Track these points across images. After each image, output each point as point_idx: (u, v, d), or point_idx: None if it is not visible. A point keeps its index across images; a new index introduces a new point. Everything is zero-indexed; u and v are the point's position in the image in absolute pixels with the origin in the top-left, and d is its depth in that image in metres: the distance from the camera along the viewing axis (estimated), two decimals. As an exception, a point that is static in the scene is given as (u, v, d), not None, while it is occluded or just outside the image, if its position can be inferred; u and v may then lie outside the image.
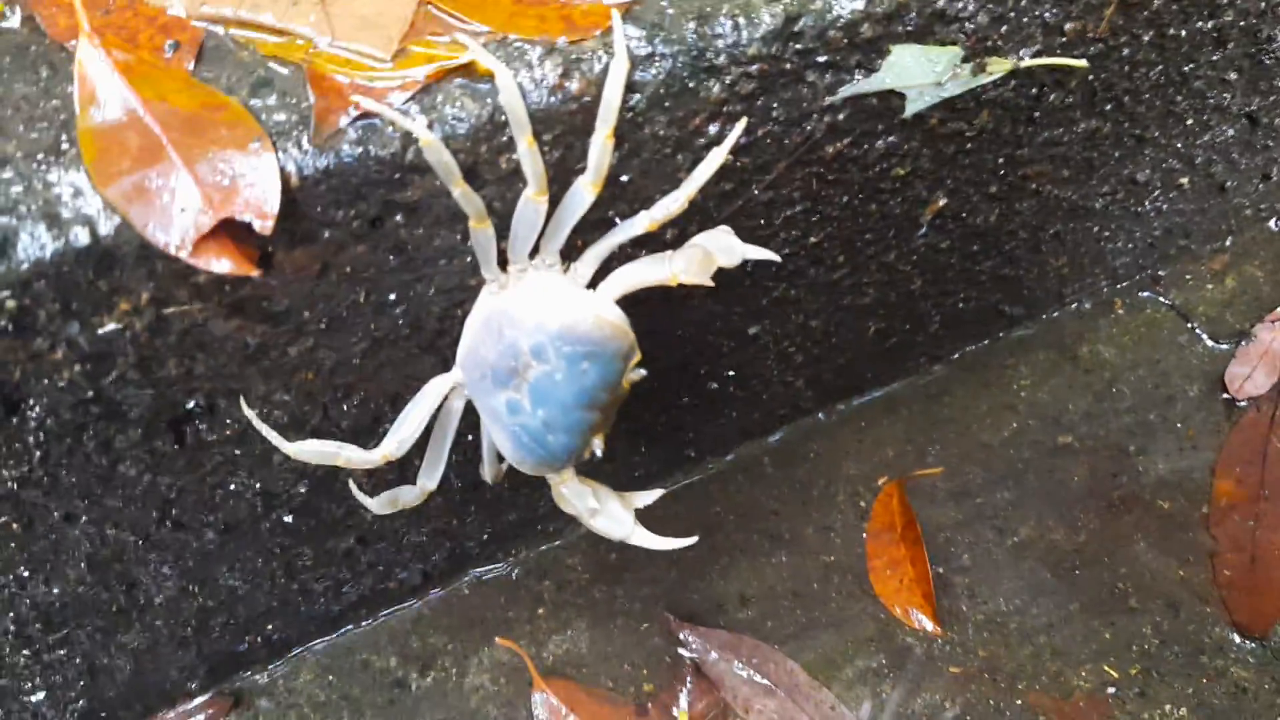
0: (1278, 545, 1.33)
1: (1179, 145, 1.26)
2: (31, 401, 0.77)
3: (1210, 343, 1.51)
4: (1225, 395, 1.46)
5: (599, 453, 0.88)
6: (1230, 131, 1.29)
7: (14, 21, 0.78)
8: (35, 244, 0.69)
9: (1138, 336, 1.52)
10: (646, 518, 1.05)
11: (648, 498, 0.97)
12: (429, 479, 0.92)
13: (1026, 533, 1.35)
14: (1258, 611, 1.28)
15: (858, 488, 1.39)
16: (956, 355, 1.45)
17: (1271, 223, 1.58)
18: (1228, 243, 1.56)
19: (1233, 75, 1.18)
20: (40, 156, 0.71)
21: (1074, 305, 1.50)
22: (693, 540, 0.97)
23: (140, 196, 0.70)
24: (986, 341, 1.47)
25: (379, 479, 1.00)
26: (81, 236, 0.70)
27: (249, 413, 0.87)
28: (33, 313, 0.72)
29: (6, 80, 0.75)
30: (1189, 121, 1.22)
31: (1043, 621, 1.28)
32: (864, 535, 1.35)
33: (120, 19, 0.78)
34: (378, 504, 0.95)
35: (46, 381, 0.76)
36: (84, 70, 0.73)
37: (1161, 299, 1.54)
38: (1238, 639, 1.27)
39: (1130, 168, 1.25)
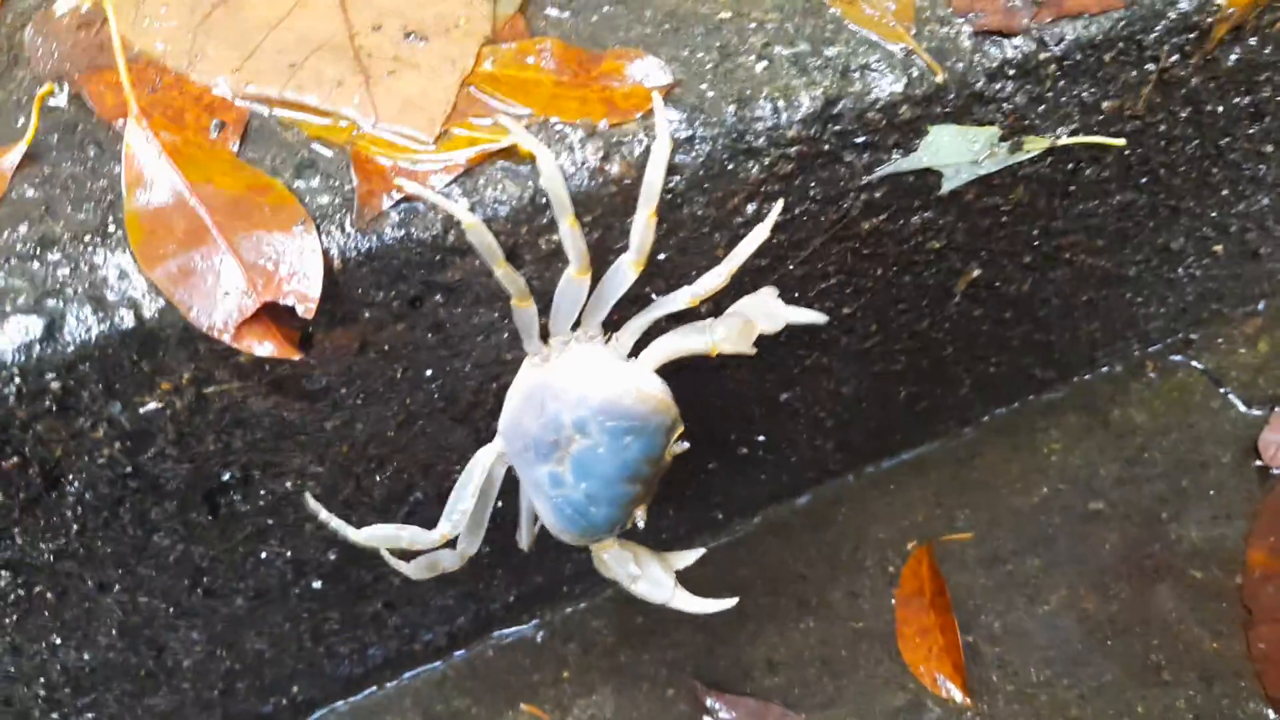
0: (1313, 618, 1.31)
1: (1213, 215, 1.26)
2: (71, 477, 0.78)
3: (1243, 408, 1.50)
4: (1258, 463, 1.44)
5: (641, 524, 0.88)
6: (1265, 200, 1.28)
7: (61, 99, 0.79)
8: (81, 326, 0.70)
9: (1170, 401, 1.50)
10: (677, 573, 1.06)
11: (689, 558, 0.97)
12: (469, 545, 0.92)
13: (1058, 600, 1.33)
14: (1294, 687, 1.26)
15: (886, 552, 1.38)
16: (987, 418, 1.44)
17: (1306, 286, 1.57)
18: (1260, 306, 1.55)
19: (1269, 148, 1.17)
20: (87, 238, 0.71)
21: (1105, 368, 1.49)
22: (734, 602, 0.96)
23: (185, 279, 0.71)
24: (1017, 404, 1.46)
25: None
26: (127, 319, 0.70)
27: (314, 505, 0.88)
28: (76, 394, 0.72)
29: (55, 159, 0.76)
30: (1224, 192, 1.22)
31: (1074, 694, 1.27)
32: (893, 601, 1.33)
33: (166, 97, 0.78)
34: (414, 569, 0.94)
35: (87, 458, 0.77)
36: (131, 152, 0.74)
37: (1194, 363, 1.53)
38: (1273, 715, 1.25)
39: (1164, 237, 1.25)
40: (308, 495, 0.91)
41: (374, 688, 1.23)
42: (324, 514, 0.89)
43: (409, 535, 0.88)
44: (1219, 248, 1.34)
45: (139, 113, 0.75)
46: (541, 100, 0.80)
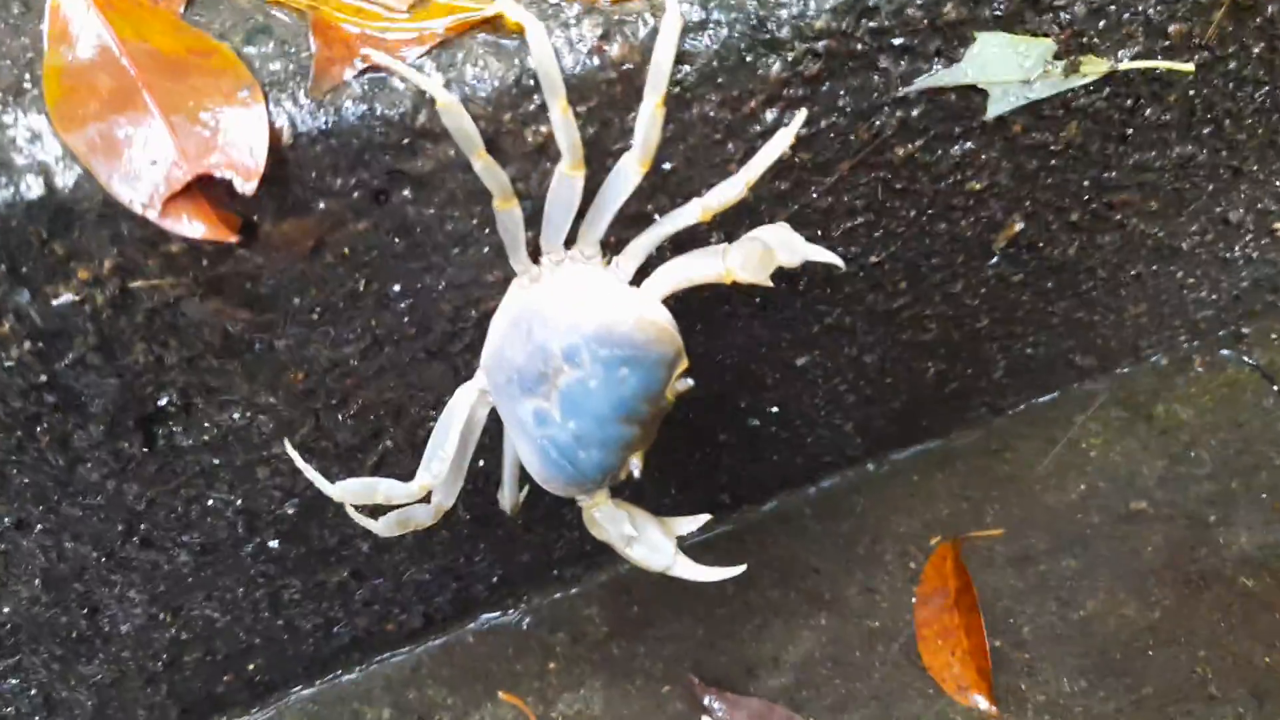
0: (1378, 634, 1.19)
1: (1277, 184, 1.15)
2: (-26, 383, 0.68)
3: (1298, 408, 1.39)
4: (1316, 466, 1.33)
5: (637, 473, 0.79)
6: (1334, 171, 1.18)
7: (-11, -46, 0.69)
8: (-19, 193, 0.60)
9: (1218, 397, 1.41)
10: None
11: (692, 524, 0.88)
12: (446, 497, 0.82)
13: (1094, 606, 1.25)
14: (1356, 707, 1.15)
15: (908, 547, 1.30)
16: (1021, 407, 1.34)
17: (1366, 281, 1.46)
18: (1318, 300, 1.44)
19: (1345, 105, 1.06)
20: (0, 95, 0.62)
21: (1150, 360, 1.39)
22: (741, 569, 0.86)
23: (106, 145, 0.61)
24: (1055, 394, 1.36)
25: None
26: (35, 187, 0.61)
27: (290, 448, 0.78)
28: (-26, 275, 0.62)
29: (-28, 15, 0.66)
30: (1291, 156, 1.11)
31: (1110, 707, 1.18)
32: (913, 600, 1.25)
33: (108, -44, 0.68)
34: (384, 525, 0.84)
35: (-9, 360, 0.67)
36: (57, 3, 0.64)
37: (1245, 358, 1.43)
38: (1331, 737, 1.13)
39: (1223, 205, 1.15)
40: (287, 442, 0.81)
41: (341, 671, 1.14)
42: (299, 461, 0.79)
43: (385, 488, 0.78)
44: (1278, 225, 1.23)
45: (69, -39, 0.65)
46: (534, -28, 0.70)
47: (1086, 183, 1.01)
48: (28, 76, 0.63)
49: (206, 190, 0.62)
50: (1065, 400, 1.39)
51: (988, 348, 1.20)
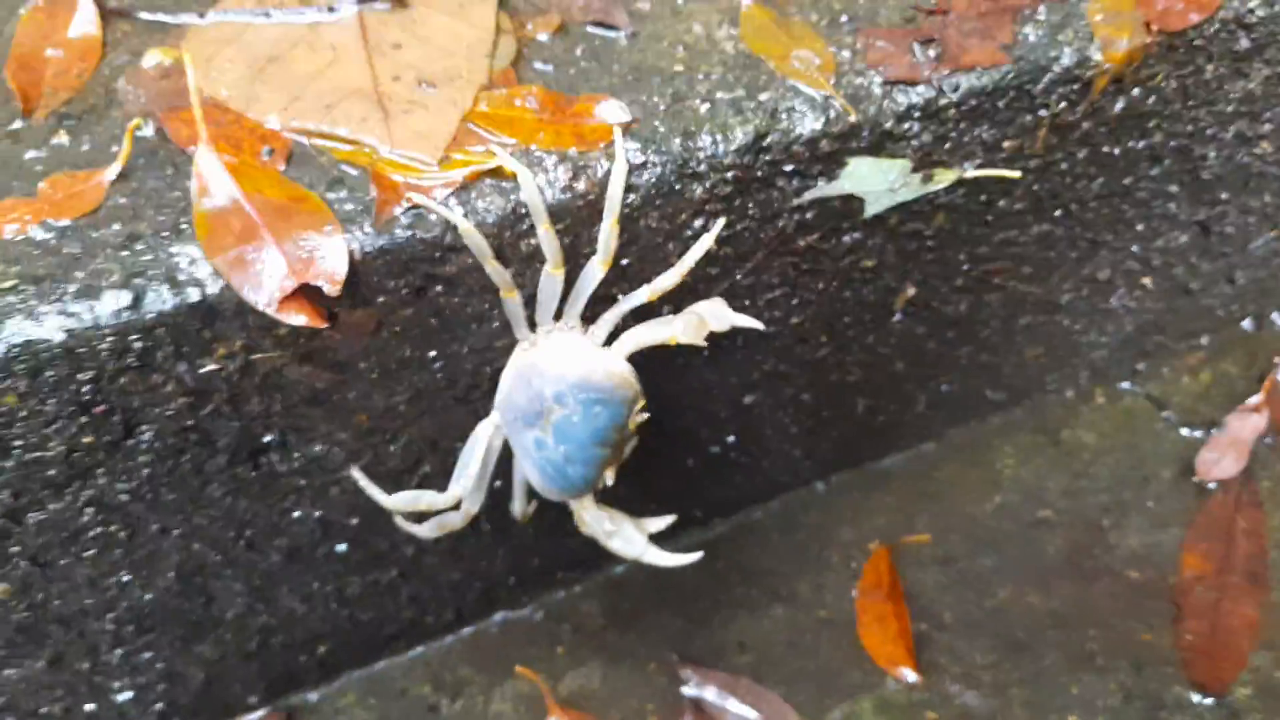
0: (1238, 615, 1.44)
1: (1134, 249, 1.42)
2: (145, 427, 0.98)
3: (1184, 431, 1.64)
4: (1196, 479, 1.59)
5: (610, 482, 1.05)
6: (1183, 238, 1.45)
7: (148, 131, 1.00)
8: (158, 299, 0.90)
9: (1117, 423, 1.66)
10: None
11: (661, 523, 1.14)
12: (473, 504, 1.09)
13: (1004, 596, 1.48)
14: (1216, 673, 1.40)
15: (851, 551, 1.53)
16: (946, 435, 1.60)
17: (1245, 323, 1.72)
18: (1203, 341, 1.70)
19: (1174, 188, 1.34)
20: (165, 234, 0.92)
21: (1057, 393, 1.64)
22: (699, 555, 1.13)
23: (239, 266, 0.91)
24: (974, 423, 1.62)
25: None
26: (194, 295, 0.91)
27: (356, 472, 1.08)
28: (153, 354, 0.92)
29: (141, 177, 0.97)
30: (1139, 228, 1.39)
31: (1015, 676, 1.41)
32: (854, 594, 1.49)
33: (228, 130, 1.00)
34: (426, 530, 1.12)
35: (158, 410, 0.97)
36: (200, 169, 0.95)
37: (1139, 390, 1.68)
38: (1196, 697, 1.38)
39: (1089, 268, 1.41)
40: (354, 468, 1.11)
41: (390, 655, 1.40)
42: (363, 480, 1.08)
43: (428, 498, 1.06)
44: (1147, 280, 1.50)
45: (207, 140, 0.96)
46: (524, 133, 1.00)
47: (962, 256, 1.29)
48: (183, 220, 0.94)
49: (305, 293, 0.93)
50: (983, 428, 1.64)
51: (907, 386, 1.48)
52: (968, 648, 1.44)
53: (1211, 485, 1.58)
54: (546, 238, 0.96)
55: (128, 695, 1.22)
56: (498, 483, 1.21)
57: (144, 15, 1.13)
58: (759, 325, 1.04)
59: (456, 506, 1.09)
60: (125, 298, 0.89)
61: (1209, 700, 1.37)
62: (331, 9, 1.11)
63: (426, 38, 1.10)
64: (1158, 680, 1.39)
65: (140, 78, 1.07)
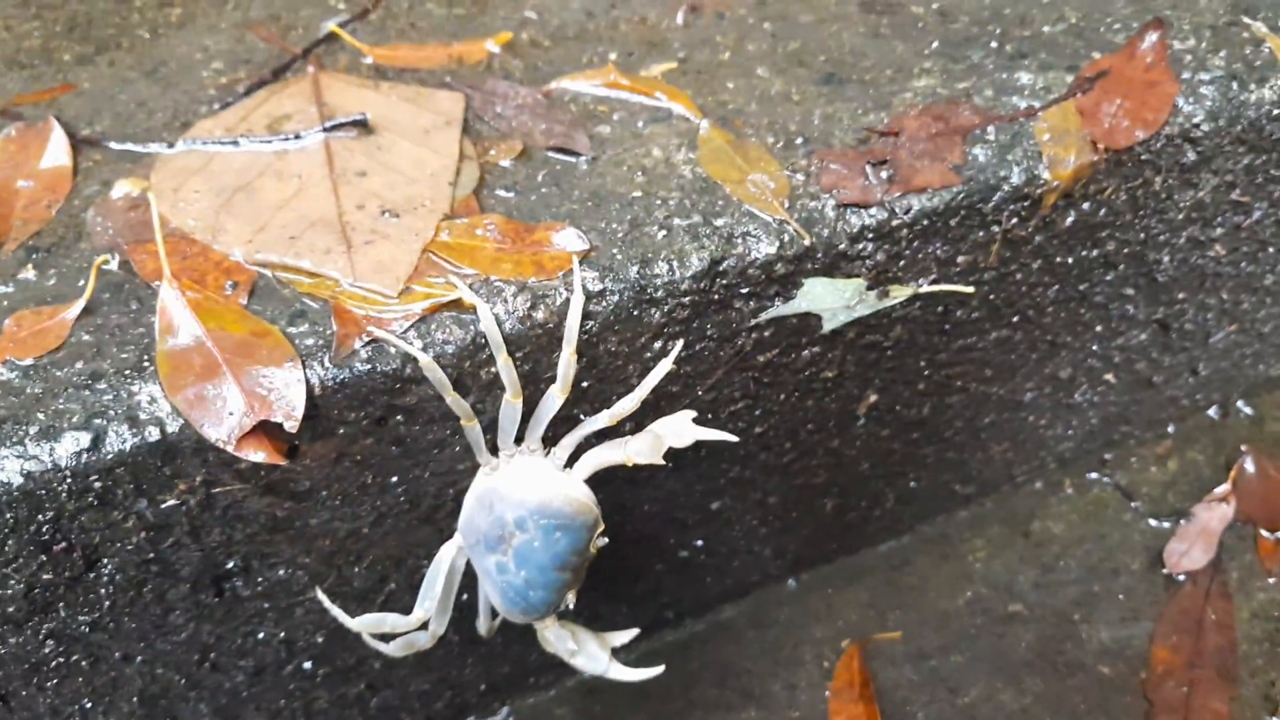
0: (1210, 710, 1.45)
1: (1094, 348, 1.45)
2: (106, 561, 0.98)
3: (1153, 521, 1.66)
4: (1165, 570, 1.60)
5: (571, 605, 1.06)
6: (1143, 336, 1.48)
7: (114, 265, 1.02)
8: (119, 439, 0.91)
9: (1085, 514, 1.67)
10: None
11: (624, 637, 1.14)
12: (439, 625, 1.09)
13: (976, 693, 1.48)
14: (1189, 771, 1.40)
15: (823, 649, 1.54)
16: (916, 529, 1.61)
17: (1210, 411, 1.75)
18: (1170, 430, 1.72)
19: (1130, 291, 1.37)
20: (127, 372, 0.93)
21: (1026, 484, 1.66)
22: (660, 669, 1.13)
23: (200, 403, 0.92)
24: (943, 517, 1.63)
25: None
26: (154, 434, 0.92)
27: (322, 596, 1.08)
28: (113, 492, 0.93)
29: (105, 312, 0.98)
30: (1099, 328, 1.41)
31: (989, 777, 1.40)
32: (827, 693, 1.49)
33: (194, 263, 1.01)
34: (394, 649, 1.12)
35: (119, 545, 0.97)
36: (164, 307, 0.96)
37: (1107, 480, 1.70)
38: (1169, 796, 1.38)
39: (1050, 367, 1.44)
40: (318, 590, 1.11)
41: (360, 767, 1.40)
42: (328, 603, 1.09)
43: (391, 620, 1.07)
44: (1109, 377, 1.52)
45: (170, 276, 0.98)
46: (485, 263, 1.02)
47: (923, 363, 1.31)
48: (145, 357, 0.95)
49: (265, 428, 0.94)
50: (953, 522, 1.66)
51: (874, 484, 1.49)
52: (941, 748, 1.43)
53: (1180, 577, 1.59)
54: (505, 368, 0.98)
55: (92, 818, 1.22)
56: (465, 596, 1.22)
57: (113, 145, 1.16)
58: (730, 437, 1.04)
59: (423, 627, 1.09)
60: (85, 439, 0.90)
61: (1182, 800, 1.37)
62: (298, 136, 1.14)
63: (391, 165, 1.12)
64: (1131, 780, 1.39)
65: (108, 209, 1.09)
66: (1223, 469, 1.70)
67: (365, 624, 1.07)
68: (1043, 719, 1.46)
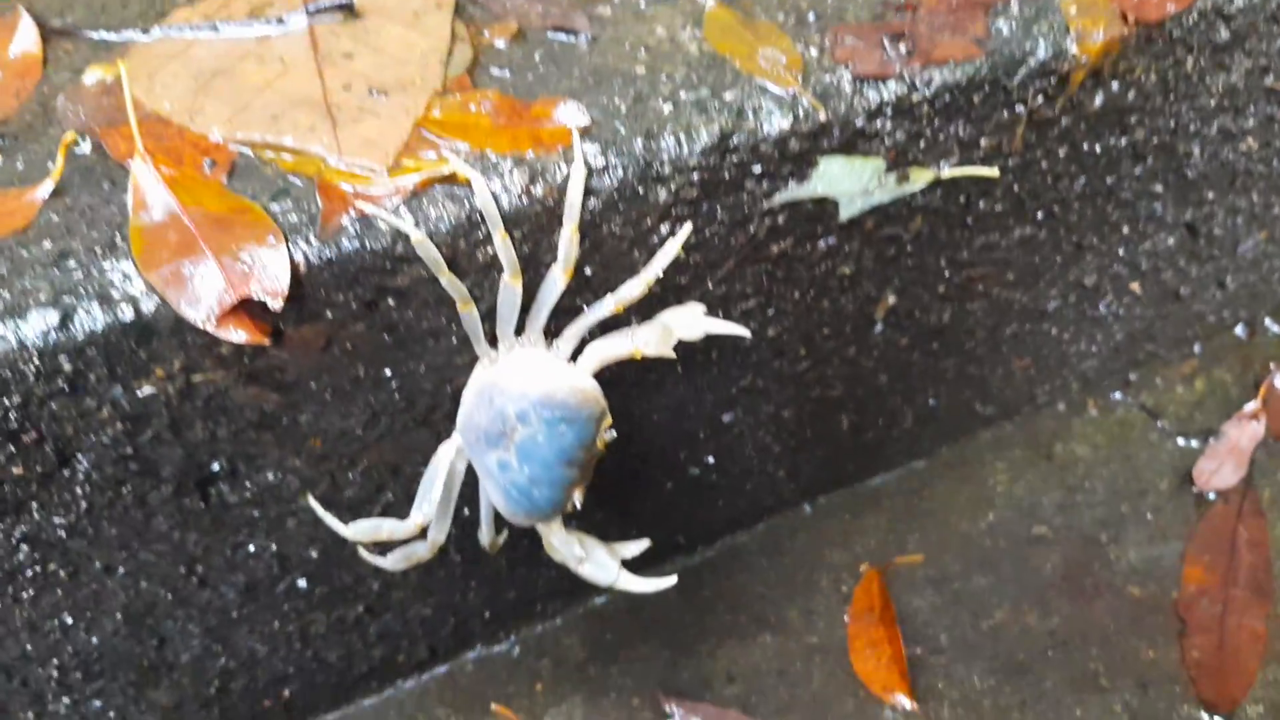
0: (1245, 628, 1.39)
1: (1120, 252, 1.38)
2: (80, 456, 0.92)
3: (1180, 441, 1.60)
4: (1195, 489, 1.54)
5: (578, 505, 1.00)
6: (1171, 240, 1.41)
7: (86, 148, 0.96)
8: (90, 318, 0.85)
9: (1110, 435, 1.61)
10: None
11: (635, 548, 1.09)
12: (439, 533, 1.04)
13: (1001, 617, 1.43)
14: (1224, 690, 1.34)
15: (841, 574, 1.48)
16: (936, 452, 1.55)
17: (1238, 329, 1.68)
18: (1196, 349, 1.66)
19: (1159, 188, 1.30)
20: (98, 250, 0.87)
21: (1048, 405, 1.60)
22: (673, 580, 1.07)
23: (176, 281, 0.86)
24: (964, 439, 1.57)
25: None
26: (127, 313, 0.86)
27: (312, 501, 1.02)
28: (84, 375, 0.87)
29: (76, 194, 0.92)
30: (1125, 230, 1.35)
31: (1016, 699, 1.35)
32: (846, 618, 1.43)
33: (170, 144, 0.95)
34: (392, 561, 1.06)
35: (94, 437, 0.91)
36: (137, 182, 0.90)
37: (1131, 400, 1.64)
38: (1205, 716, 1.32)
39: (1075, 272, 1.37)
40: (309, 496, 1.05)
41: (361, 697, 1.34)
42: (319, 509, 1.03)
43: (388, 527, 1.01)
44: (1135, 286, 1.46)
45: (144, 151, 0.91)
46: (479, 138, 0.96)
47: (943, 262, 1.25)
48: (118, 235, 0.89)
49: (247, 308, 0.88)
50: (974, 443, 1.60)
51: (893, 401, 1.43)
52: (965, 672, 1.38)
53: (1211, 495, 1.53)
54: (503, 246, 0.92)
55: (79, 746, 1.16)
56: (466, 511, 1.16)
57: (87, 33, 1.09)
58: (741, 330, 0.99)
59: (422, 536, 1.03)
60: (53, 317, 0.84)
61: (1219, 718, 1.31)
62: (281, 20, 1.07)
63: (379, 47, 1.06)
64: (1165, 700, 1.34)
65: (80, 95, 1.02)
66: (1251, 388, 1.64)
67: (360, 531, 1.02)
68: (1071, 641, 1.40)
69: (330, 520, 1.01)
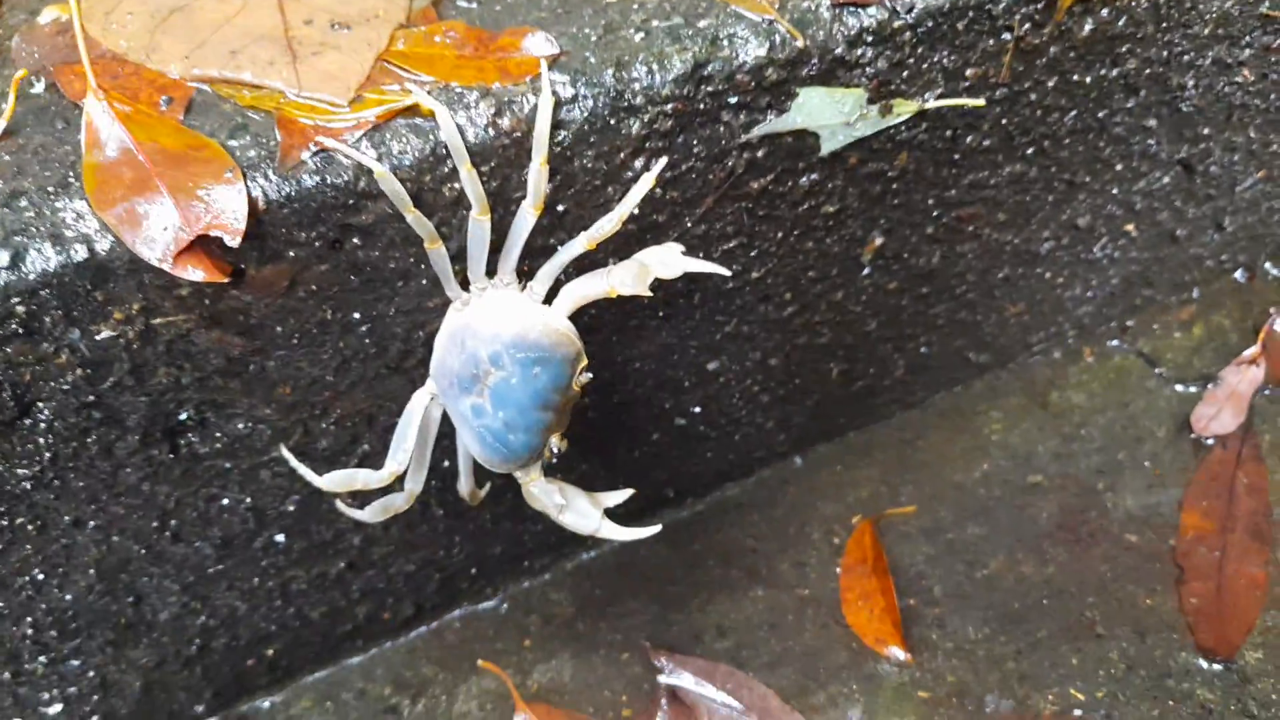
0: (1244, 575, 1.37)
1: (1114, 191, 1.35)
2: (41, 405, 0.90)
3: (1179, 387, 1.57)
4: (1192, 435, 1.51)
5: (557, 450, 0.97)
6: (1165, 179, 1.38)
7: (39, 88, 0.93)
8: (42, 258, 0.82)
9: (1107, 382, 1.58)
10: (631, 548, 1.14)
11: (618, 497, 1.05)
12: (416, 483, 1.01)
13: (996, 566, 1.41)
14: (1223, 636, 1.32)
15: (833, 526, 1.46)
16: (929, 401, 1.52)
17: (1237, 274, 1.65)
18: (1194, 294, 1.63)
19: (1152, 122, 1.27)
20: (50, 189, 0.84)
21: (1043, 353, 1.57)
22: (656, 529, 1.04)
23: (131, 219, 0.83)
24: (958, 388, 1.55)
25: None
26: (81, 252, 0.83)
27: (285, 451, 1.01)
28: (39, 318, 0.84)
29: (29, 134, 0.89)
30: (1118, 167, 1.31)
31: (1011, 649, 1.33)
32: (838, 570, 1.41)
33: (126, 82, 0.92)
34: (369, 514, 1.04)
35: (53, 384, 0.89)
36: (90, 119, 0.87)
37: (1128, 347, 1.61)
38: (1204, 663, 1.30)
39: (1068, 213, 1.34)
40: (283, 447, 1.03)
41: (346, 656, 1.32)
42: (292, 459, 1.00)
43: (363, 476, 0.98)
44: (1130, 228, 1.43)
45: (97, 88, 0.88)
46: (444, 70, 0.93)
47: (931, 201, 1.21)
48: (71, 174, 0.86)
49: (205, 247, 0.85)
50: (968, 393, 1.57)
51: (883, 348, 1.40)
52: (959, 622, 1.36)
53: (1209, 441, 1.51)
54: (469, 180, 0.89)
55: (57, 708, 1.14)
56: (447, 464, 1.13)
57: (42, -26, 1.06)
58: (720, 269, 0.95)
59: (399, 486, 1.00)
60: (4, 257, 0.81)
61: (1217, 665, 1.29)
62: (241, -42, 1.03)
63: (342, -17, 1.02)
64: (1163, 647, 1.31)
65: (34, 35, 0.99)
66: (1250, 333, 1.61)
67: (334, 481, 0.99)
68: (1068, 588, 1.38)
69: (304, 470, 0.99)
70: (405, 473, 0.98)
